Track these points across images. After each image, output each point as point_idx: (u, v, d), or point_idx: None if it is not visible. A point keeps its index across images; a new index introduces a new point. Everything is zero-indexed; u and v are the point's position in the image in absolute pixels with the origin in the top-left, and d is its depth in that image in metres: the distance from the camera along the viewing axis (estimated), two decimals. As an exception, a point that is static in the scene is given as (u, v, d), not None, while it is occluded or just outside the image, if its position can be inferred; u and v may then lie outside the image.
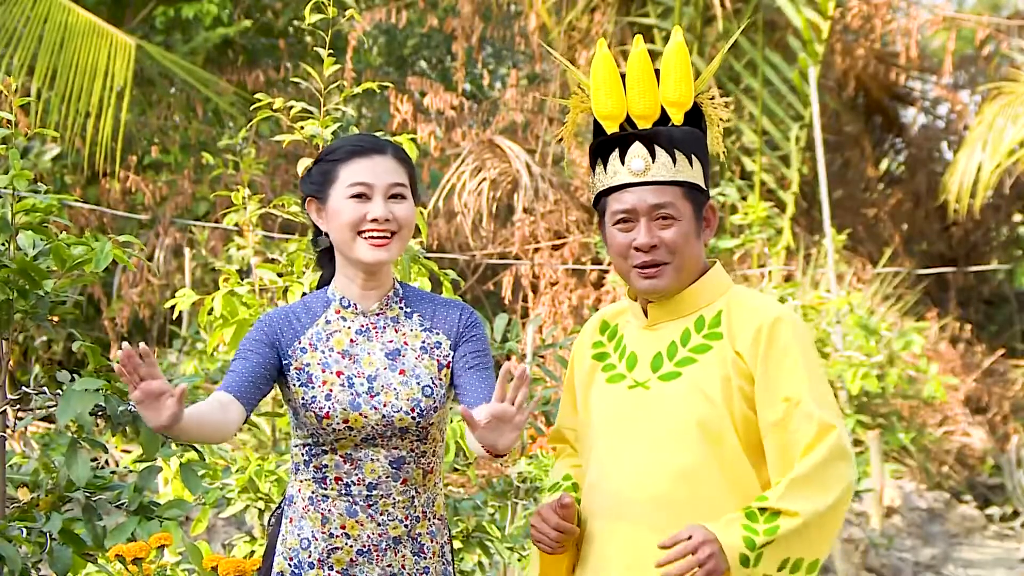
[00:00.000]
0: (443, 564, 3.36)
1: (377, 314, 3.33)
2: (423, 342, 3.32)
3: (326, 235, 3.33)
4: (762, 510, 2.98)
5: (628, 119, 3.22)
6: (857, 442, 12.17)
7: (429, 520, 3.34)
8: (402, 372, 3.28)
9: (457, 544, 5.17)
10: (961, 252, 17.08)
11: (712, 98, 3.25)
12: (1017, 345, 16.80)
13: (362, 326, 3.31)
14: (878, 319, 12.04)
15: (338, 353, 3.28)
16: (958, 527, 12.27)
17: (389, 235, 3.26)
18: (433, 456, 3.34)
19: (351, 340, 3.30)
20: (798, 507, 2.97)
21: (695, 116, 3.23)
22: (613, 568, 3.16)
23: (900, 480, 12.80)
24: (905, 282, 14.98)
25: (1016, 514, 12.91)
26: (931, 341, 14.17)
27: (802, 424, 3.04)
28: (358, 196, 3.25)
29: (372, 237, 3.25)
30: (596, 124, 3.28)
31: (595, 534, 3.22)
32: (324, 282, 3.42)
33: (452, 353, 3.34)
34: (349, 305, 3.32)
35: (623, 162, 3.19)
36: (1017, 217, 17.53)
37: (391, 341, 3.31)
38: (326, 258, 3.40)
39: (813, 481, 2.99)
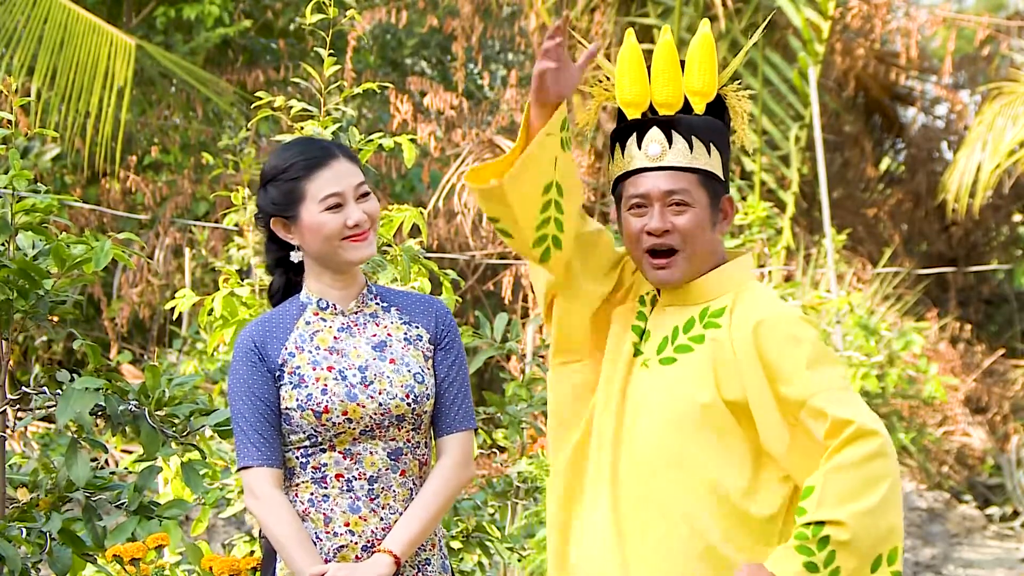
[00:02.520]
0: (442, 557, 3.38)
1: (356, 312, 3.36)
2: (405, 334, 3.36)
3: (298, 248, 3.34)
4: (806, 524, 2.93)
5: (652, 108, 3.21)
6: (857, 442, 12.17)
7: None
8: (392, 361, 3.31)
9: (457, 544, 5.17)
10: (961, 252, 17.08)
11: (737, 89, 3.24)
12: (1017, 345, 16.80)
13: (343, 324, 3.35)
14: (878, 319, 12.05)
15: (325, 350, 3.31)
16: (958, 527, 12.27)
17: (366, 232, 3.31)
18: (426, 448, 3.37)
19: (335, 337, 3.33)
20: (838, 513, 2.91)
21: (719, 108, 3.22)
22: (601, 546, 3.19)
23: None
24: (905, 282, 14.98)
25: (1016, 514, 12.91)
26: (931, 341, 14.18)
27: (815, 426, 2.99)
28: (333, 207, 3.28)
29: (354, 238, 3.29)
30: (620, 112, 3.26)
31: (587, 508, 3.23)
32: (274, 292, 3.44)
33: (434, 348, 3.37)
34: (327, 306, 3.35)
35: (640, 147, 3.17)
36: (1017, 217, 17.53)
37: (375, 335, 3.34)
38: (282, 270, 3.41)
39: (846, 480, 2.93)
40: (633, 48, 3.22)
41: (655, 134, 3.16)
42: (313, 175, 3.29)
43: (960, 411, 14.09)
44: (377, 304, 3.38)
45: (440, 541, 3.39)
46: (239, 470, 3.28)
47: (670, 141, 3.15)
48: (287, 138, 4.81)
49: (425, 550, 3.34)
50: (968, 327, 15.78)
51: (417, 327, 3.38)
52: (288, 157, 3.33)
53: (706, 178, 3.17)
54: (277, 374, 3.29)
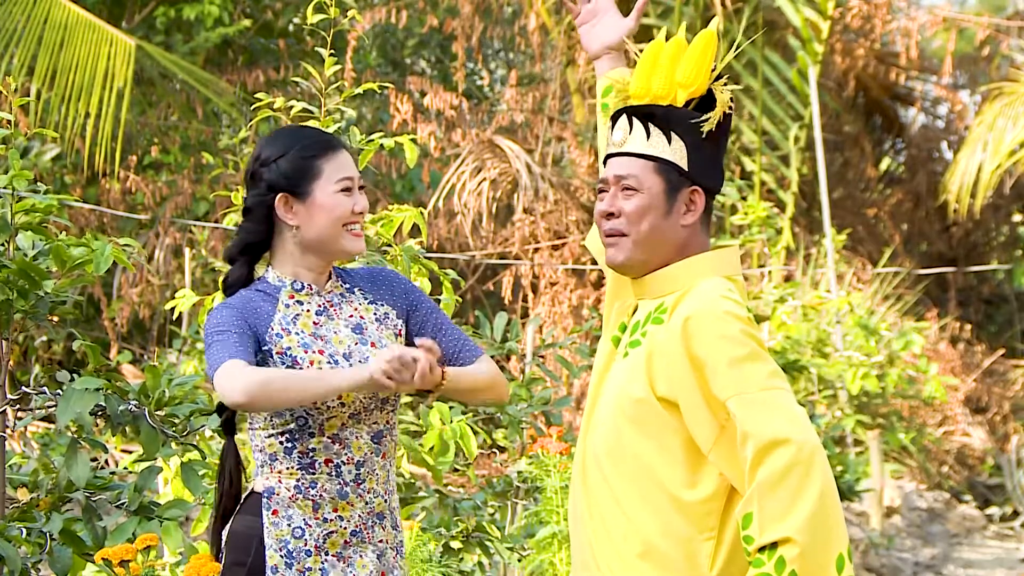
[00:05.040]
0: (402, 536, 3.43)
1: (329, 292, 3.36)
2: (374, 314, 3.38)
3: (296, 228, 3.31)
4: (760, 551, 2.92)
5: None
6: (857, 442, 12.17)
7: (395, 494, 3.41)
8: (373, 344, 3.32)
9: (457, 544, 5.18)
10: (961, 252, 17.09)
11: (725, 84, 3.23)
12: (1017, 345, 16.80)
13: (319, 306, 3.34)
14: (878, 319, 12.04)
15: (309, 335, 3.30)
16: (958, 527, 12.27)
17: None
18: (397, 427, 3.41)
19: (315, 322, 3.32)
20: (783, 530, 2.90)
21: (710, 104, 3.22)
22: (573, 533, 3.26)
23: (900, 480, 12.80)
24: (905, 282, 14.98)
25: (1016, 514, 12.91)
26: (931, 341, 14.18)
27: (739, 443, 2.97)
28: (346, 190, 3.31)
29: (354, 229, 3.33)
30: None
31: (570, 493, 3.29)
32: (231, 283, 3.37)
33: (401, 323, 3.40)
34: (303, 287, 3.34)
35: (611, 134, 3.24)
36: (1017, 217, 17.53)
37: (351, 316, 3.35)
38: (246, 259, 3.37)
39: (775, 497, 2.91)
40: (656, 45, 3.27)
41: (621, 122, 3.21)
42: (331, 155, 3.32)
43: (960, 411, 14.10)
44: (343, 285, 3.40)
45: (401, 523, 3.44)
46: (213, 375, 3.14)
47: (631, 128, 3.19)
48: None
49: (399, 531, 3.39)
50: (968, 327, 15.78)
51: (383, 305, 3.39)
52: (301, 136, 3.35)
53: (662, 166, 3.17)
54: (265, 348, 3.25)
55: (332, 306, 3.34)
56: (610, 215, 3.17)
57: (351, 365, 3.27)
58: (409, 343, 3.41)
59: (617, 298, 3.36)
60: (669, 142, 3.17)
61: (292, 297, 3.33)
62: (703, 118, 3.19)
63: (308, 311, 3.32)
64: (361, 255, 3.41)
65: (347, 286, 3.39)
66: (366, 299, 3.39)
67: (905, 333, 11.94)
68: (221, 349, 3.17)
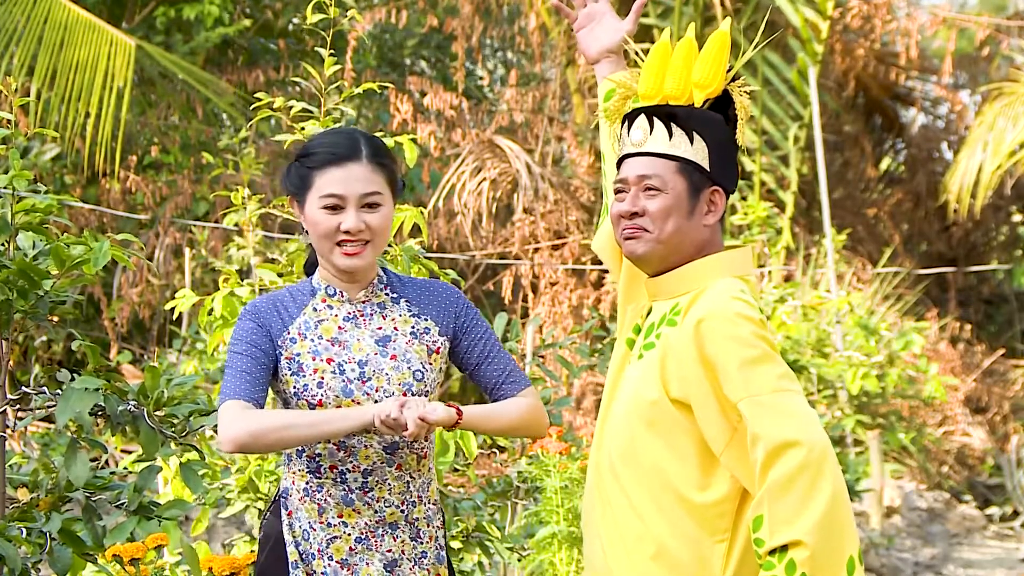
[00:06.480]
0: (437, 548, 3.39)
1: (364, 301, 3.35)
2: (412, 327, 3.35)
3: (305, 232, 3.36)
4: (771, 553, 2.92)
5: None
6: (857, 442, 12.17)
7: (425, 505, 3.36)
8: (393, 357, 3.29)
9: (457, 544, 5.17)
10: (961, 252, 17.08)
11: (741, 86, 3.25)
12: (1017, 345, 16.80)
13: (349, 313, 3.33)
14: (878, 319, 12.04)
15: (327, 340, 3.29)
16: (958, 527, 12.26)
17: (363, 243, 3.29)
18: (425, 441, 3.35)
19: (339, 327, 3.31)
20: (793, 533, 2.90)
21: (725, 105, 3.23)
22: (587, 540, 3.28)
23: (900, 480, 12.80)
24: (905, 282, 14.98)
25: (1016, 514, 12.90)
26: (931, 341, 14.17)
27: (749, 446, 2.98)
28: (331, 208, 3.27)
29: (347, 244, 3.28)
30: None
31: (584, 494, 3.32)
32: (310, 265, 3.45)
33: (444, 340, 3.36)
34: (335, 293, 3.34)
35: (629, 134, 3.22)
36: (1017, 217, 17.52)
37: (380, 328, 3.33)
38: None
39: (786, 500, 2.92)
40: (662, 46, 3.27)
41: (640, 121, 3.20)
42: (325, 170, 3.28)
43: (960, 411, 14.09)
44: (387, 295, 3.37)
45: (438, 533, 3.39)
46: (219, 406, 3.22)
47: (652, 128, 3.18)
48: (288, 138, 4.82)
49: (422, 542, 3.34)
50: (968, 327, 15.77)
51: (426, 319, 3.36)
52: (318, 144, 3.33)
53: (685, 166, 3.17)
54: (276, 353, 3.27)
55: (362, 315, 3.33)
56: (633, 214, 3.17)
57: (364, 372, 3.26)
58: (455, 362, 3.41)
59: (630, 301, 3.36)
60: (691, 142, 3.18)
61: (324, 301, 3.34)
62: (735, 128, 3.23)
63: (336, 316, 3.32)
64: (358, 271, 3.31)
65: (394, 295, 3.37)
66: (410, 311, 3.36)
67: (905, 333, 11.93)
68: (229, 379, 3.21)
